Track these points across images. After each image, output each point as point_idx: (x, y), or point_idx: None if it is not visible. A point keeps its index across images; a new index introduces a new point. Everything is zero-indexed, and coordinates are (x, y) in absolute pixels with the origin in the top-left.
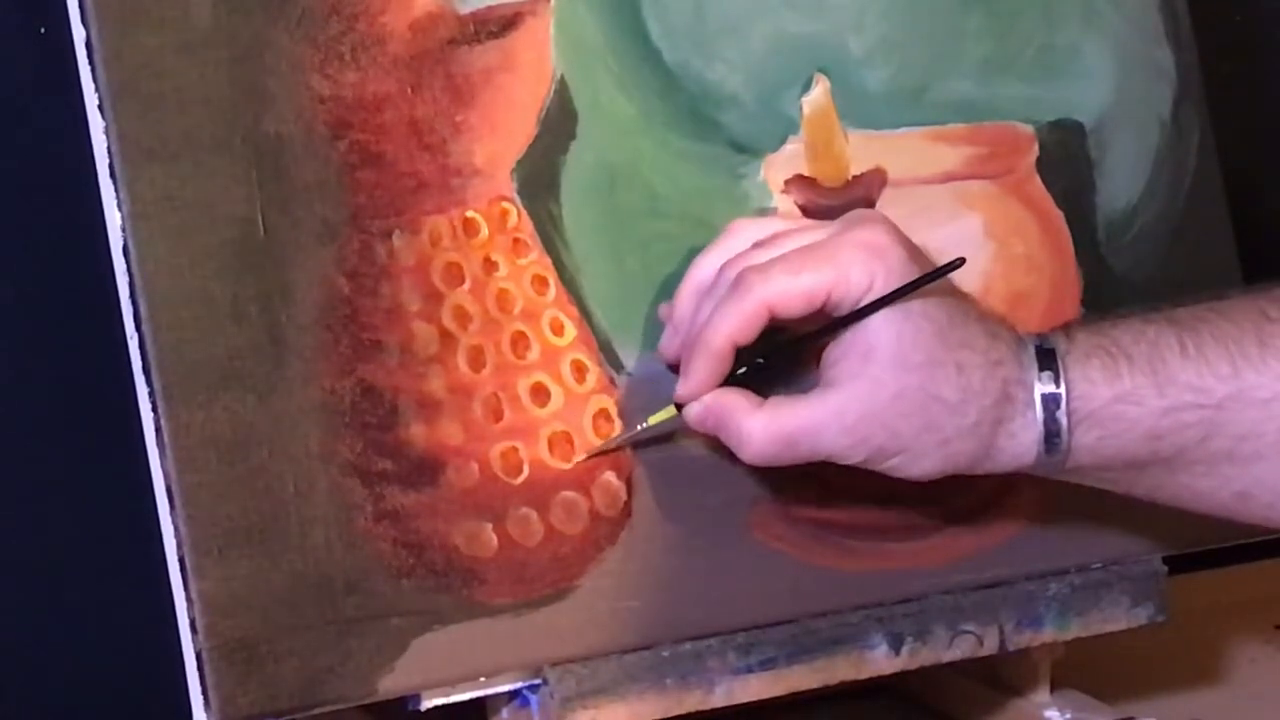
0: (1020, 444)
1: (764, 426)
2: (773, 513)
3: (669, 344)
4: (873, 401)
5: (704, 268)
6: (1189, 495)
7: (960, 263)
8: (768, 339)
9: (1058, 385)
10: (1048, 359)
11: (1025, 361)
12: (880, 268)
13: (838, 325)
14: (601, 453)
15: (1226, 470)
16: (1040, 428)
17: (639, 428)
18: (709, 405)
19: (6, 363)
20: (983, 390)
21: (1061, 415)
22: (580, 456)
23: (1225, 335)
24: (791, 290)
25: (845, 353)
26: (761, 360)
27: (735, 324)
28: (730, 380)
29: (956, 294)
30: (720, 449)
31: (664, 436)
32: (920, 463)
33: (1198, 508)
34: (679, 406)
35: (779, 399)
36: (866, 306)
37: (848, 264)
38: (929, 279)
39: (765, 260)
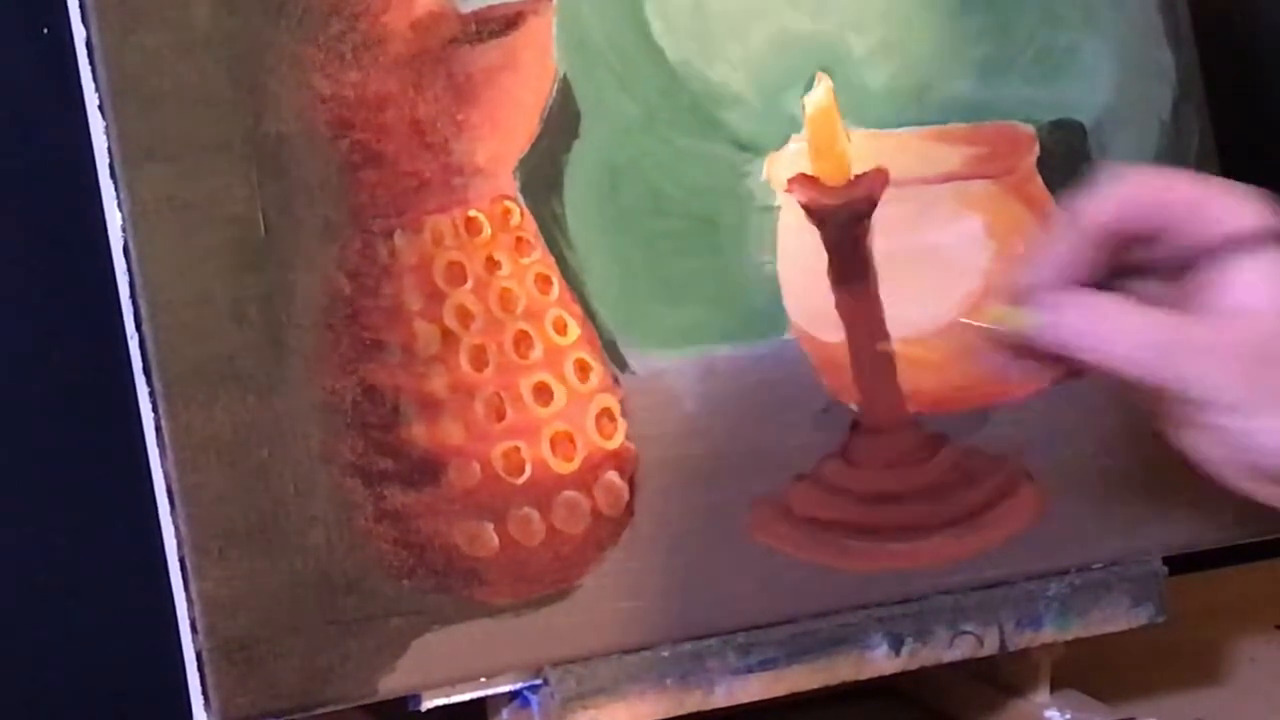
0: None
1: (1150, 325)
2: (773, 513)
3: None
4: (1254, 337)
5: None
6: None
7: None
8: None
9: None
10: None
11: None
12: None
13: (1231, 247)
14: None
15: None
16: None
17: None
18: (1073, 299)
19: (7, 363)
20: None
21: None
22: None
23: None
24: (1185, 192)
25: (1226, 286)
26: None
27: (1114, 208)
28: None
29: None
30: (719, 449)
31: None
32: (1260, 419)
33: None
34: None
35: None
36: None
37: (1244, 192)
38: None
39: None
